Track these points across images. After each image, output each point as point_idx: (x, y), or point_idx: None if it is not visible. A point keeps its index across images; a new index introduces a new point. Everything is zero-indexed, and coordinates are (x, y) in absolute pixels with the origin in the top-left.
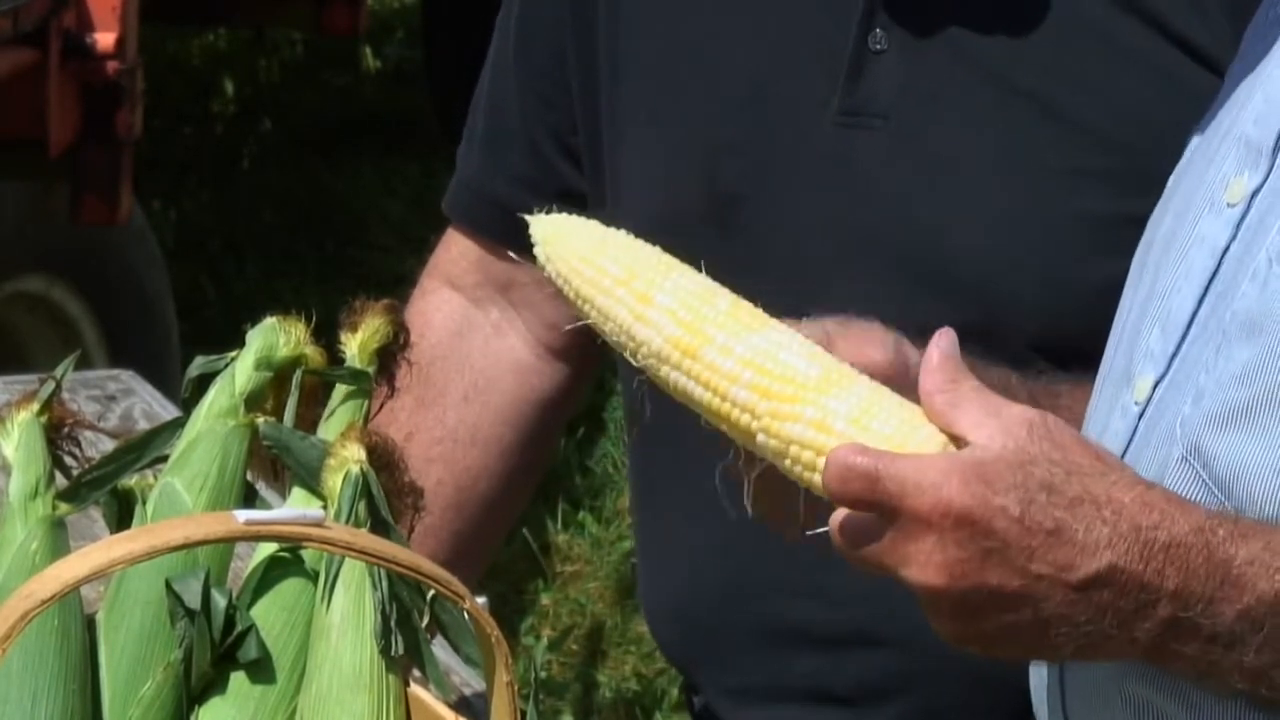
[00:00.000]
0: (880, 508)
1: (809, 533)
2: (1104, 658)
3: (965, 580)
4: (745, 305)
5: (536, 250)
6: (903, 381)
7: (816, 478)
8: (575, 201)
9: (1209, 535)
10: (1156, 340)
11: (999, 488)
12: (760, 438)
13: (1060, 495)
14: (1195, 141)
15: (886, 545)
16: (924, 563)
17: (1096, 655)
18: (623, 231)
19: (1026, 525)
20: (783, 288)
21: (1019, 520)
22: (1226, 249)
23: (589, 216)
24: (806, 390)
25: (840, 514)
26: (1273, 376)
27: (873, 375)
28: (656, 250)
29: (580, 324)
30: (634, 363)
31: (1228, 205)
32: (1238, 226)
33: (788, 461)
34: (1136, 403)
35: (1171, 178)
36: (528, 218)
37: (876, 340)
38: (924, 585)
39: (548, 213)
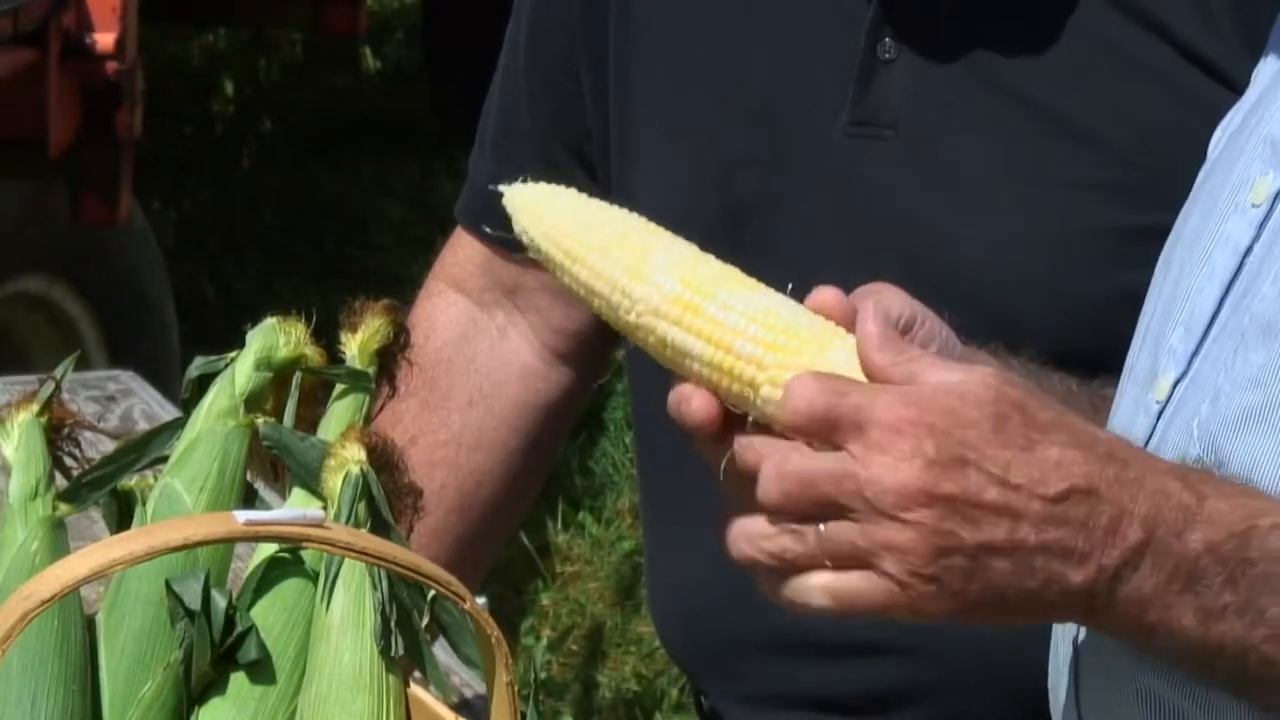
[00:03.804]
0: (846, 423)
1: None
2: (1065, 602)
3: (944, 485)
4: (733, 269)
5: (516, 217)
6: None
7: None
8: None
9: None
10: (1179, 339)
11: (971, 404)
12: (765, 389)
13: (1034, 418)
14: (1222, 141)
15: (850, 463)
16: (898, 468)
17: (1056, 592)
18: (597, 200)
19: (1001, 439)
20: (793, 296)
21: (993, 433)
22: (1249, 249)
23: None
24: (810, 342)
25: (781, 452)
26: None
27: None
28: (637, 215)
29: (584, 328)
30: (627, 321)
31: (1252, 206)
32: (1260, 227)
33: None
34: (1158, 401)
35: (1199, 177)
36: (502, 188)
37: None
38: (900, 489)
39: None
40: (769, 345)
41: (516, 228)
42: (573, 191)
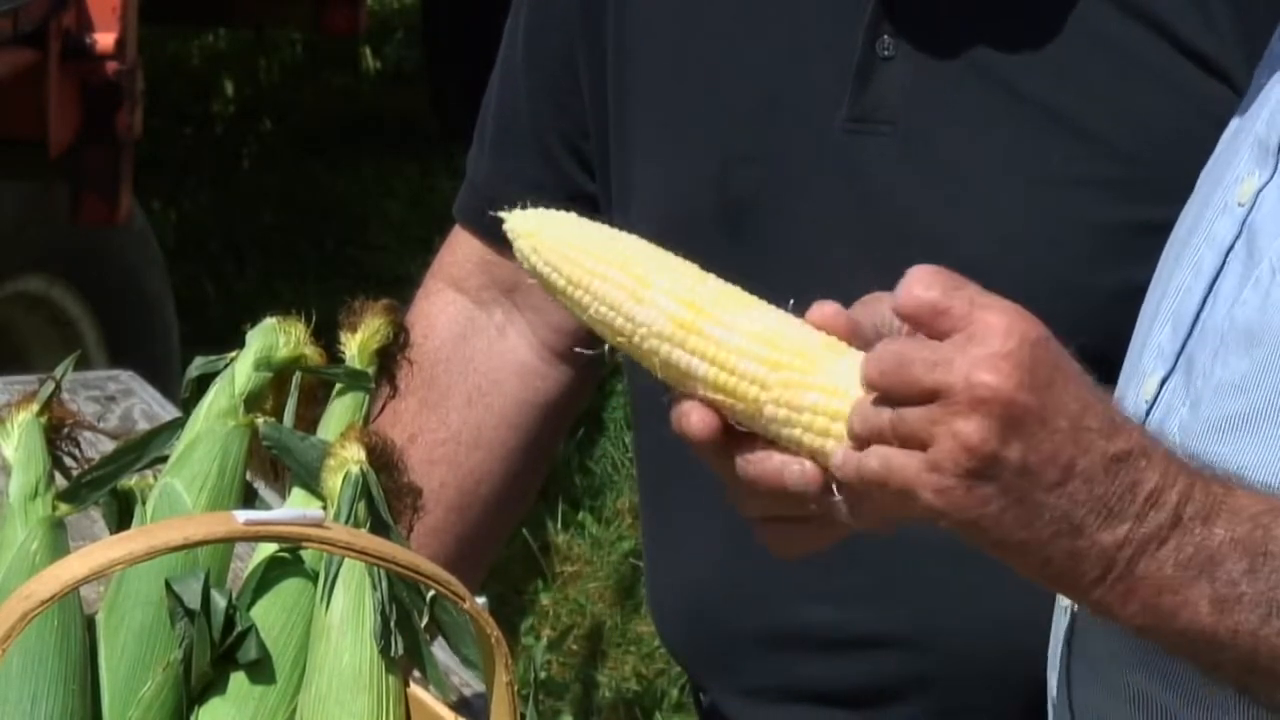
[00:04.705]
0: (957, 312)
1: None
2: (1084, 559)
3: (1024, 395)
4: (733, 288)
5: (518, 243)
6: None
7: (829, 443)
8: (586, 205)
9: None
10: (1167, 338)
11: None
12: (769, 409)
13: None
14: (1224, 142)
15: (948, 350)
16: (991, 362)
17: (1081, 546)
18: (598, 223)
19: (1083, 382)
20: (792, 293)
21: (1077, 377)
22: (1231, 247)
23: (600, 220)
24: (812, 360)
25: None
26: (1269, 390)
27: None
28: (637, 238)
29: (583, 326)
30: (630, 345)
31: (1238, 205)
32: (1242, 225)
33: (797, 430)
34: (1145, 401)
35: (1200, 177)
36: (503, 214)
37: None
38: (983, 383)
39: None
40: (772, 364)
41: (517, 254)
42: (572, 216)
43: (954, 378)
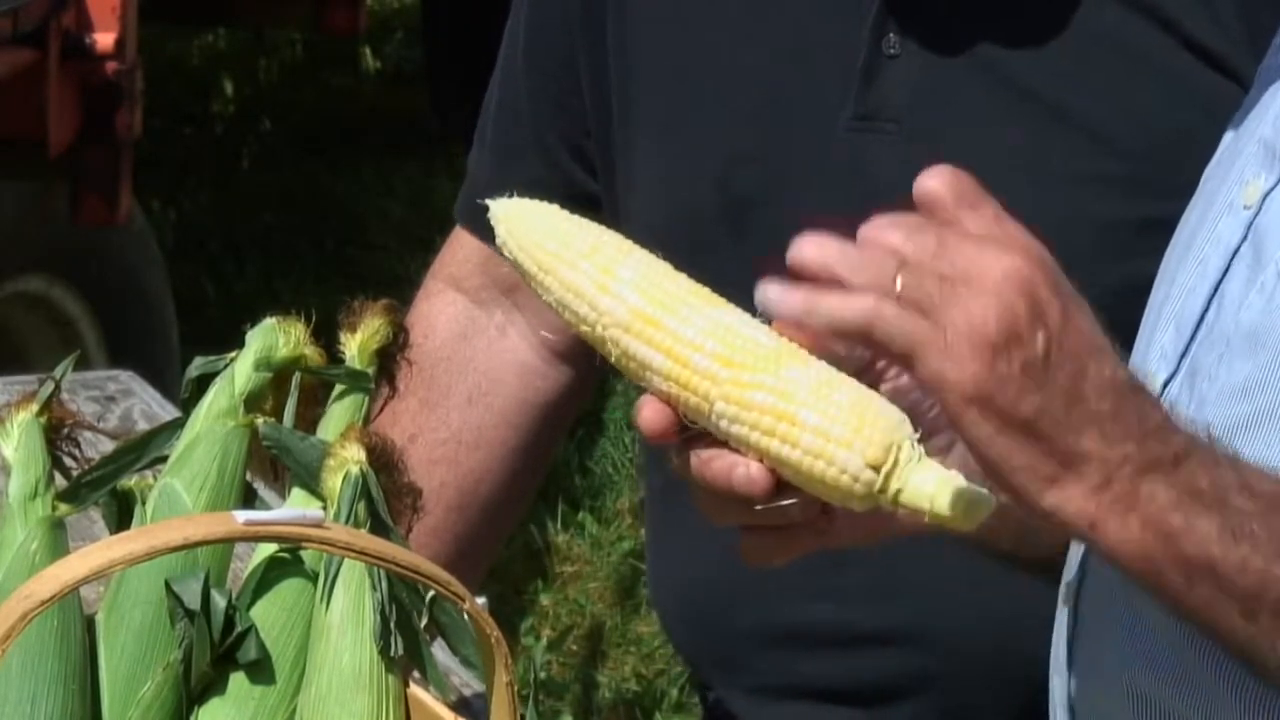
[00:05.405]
0: (985, 212)
1: (759, 508)
2: (1082, 464)
3: (1051, 290)
4: (701, 286)
5: (497, 229)
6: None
7: (774, 443)
8: (586, 204)
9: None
10: (1170, 339)
11: None
12: (719, 405)
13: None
14: (1227, 140)
15: (985, 229)
16: (1027, 252)
17: (1087, 447)
18: (578, 216)
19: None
20: None
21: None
22: (1236, 250)
23: (600, 219)
24: (767, 360)
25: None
26: (1273, 394)
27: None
28: (615, 232)
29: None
30: (593, 334)
31: (1244, 207)
32: (1249, 229)
33: (745, 428)
34: None
35: (1204, 174)
36: (488, 201)
37: None
38: (1018, 267)
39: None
40: (725, 361)
41: (498, 240)
42: (554, 207)
43: (988, 257)
